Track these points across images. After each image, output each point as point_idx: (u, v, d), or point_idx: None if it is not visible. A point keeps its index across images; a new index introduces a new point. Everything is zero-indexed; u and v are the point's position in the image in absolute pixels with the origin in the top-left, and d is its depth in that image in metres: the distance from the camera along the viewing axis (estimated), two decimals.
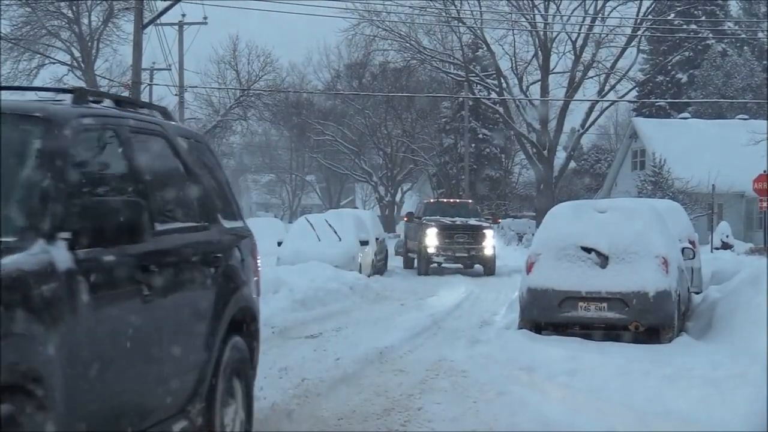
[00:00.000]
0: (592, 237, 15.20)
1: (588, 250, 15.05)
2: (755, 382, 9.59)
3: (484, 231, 30.64)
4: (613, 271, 14.91)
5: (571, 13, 53.85)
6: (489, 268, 30.58)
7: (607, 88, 54.93)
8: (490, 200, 61.99)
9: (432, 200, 37.62)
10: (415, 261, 32.12)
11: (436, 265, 30.95)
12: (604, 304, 14.77)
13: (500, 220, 37.36)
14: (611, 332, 15.24)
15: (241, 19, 57.67)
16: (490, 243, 30.58)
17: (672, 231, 17.08)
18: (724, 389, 9.85)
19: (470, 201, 36.66)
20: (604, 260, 14.95)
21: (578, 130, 57.57)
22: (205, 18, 45.69)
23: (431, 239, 30.40)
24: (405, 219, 34.12)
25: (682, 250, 17.63)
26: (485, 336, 16.42)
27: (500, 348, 14.17)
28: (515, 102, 56.12)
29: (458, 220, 31.06)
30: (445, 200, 38.38)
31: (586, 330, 15.26)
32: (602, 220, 15.59)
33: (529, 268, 15.51)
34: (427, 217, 31.39)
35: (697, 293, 19.44)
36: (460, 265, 30.86)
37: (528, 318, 15.62)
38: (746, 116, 53.98)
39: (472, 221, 31.12)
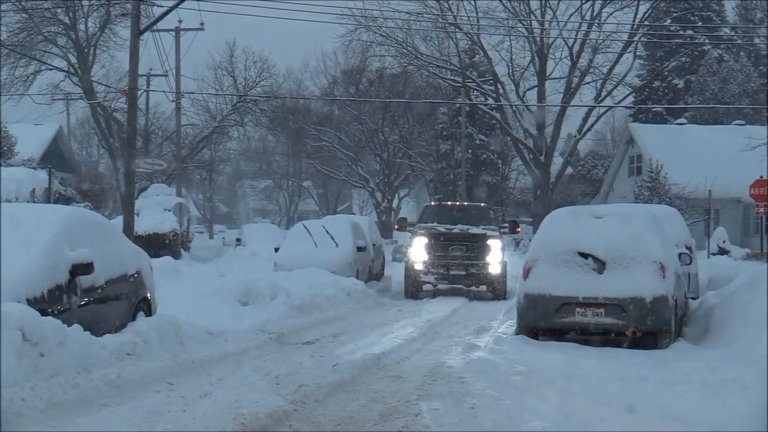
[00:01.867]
0: (589, 242, 15.20)
1: (585, 255, 15.05)
2: (754, 386, 9.60)
3: (488, 242, 24.64)
4: (610, 277, 14.91)
5: (568, 18, 53.95)
6: (496, 290, 24.86)
7: (603, 93, 54.99)
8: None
9: (433, 203, 31.30)
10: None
11: (430, 286, 26.04)
12: (602, 310, 14.76)
13: (520, 229, 30.15)
14: (609, 338, 15.24)
15: (238, 25, 57.71)
16: (496, 258, 24.70)
17: (669, 236, 17.09)
18: (722, 393, 9.86)
19: (483, 204, 30.06)
20: (601, 266, 14.95)
21: (575, 136, 57.64)
22: (202, 24, 45.71)
23: (418, 252, 25.17)
24: (396, 227, 28.30)
25: (679, 255, 17.64)
26: (482, 342, 16.42)
27: (498, 354, 14.16)
28: (512, 108, 56.18)
29: (457, 228, 25.23)
30: (450, 203, 31.67)
31: (583, 335, 15.26)
32: (599, 225, 15.60)
33: (526, 274, 15.50)
34: (422, 224, 25.98)
35: (694, 299, 19.45)
36: (461, 287, 25.86)
37: (525, 324, 15.61)
38: (743, 122, 54.07)
39: (475, 229, 25.03)
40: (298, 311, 20.46)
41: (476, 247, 24.85)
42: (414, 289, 25.65)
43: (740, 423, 8.92)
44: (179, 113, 47.35)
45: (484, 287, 25.59)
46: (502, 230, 26.43)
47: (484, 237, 24.98)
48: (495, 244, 24.82)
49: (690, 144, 49.80)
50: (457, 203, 32.51)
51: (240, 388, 11.10)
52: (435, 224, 26.01)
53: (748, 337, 13.11)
